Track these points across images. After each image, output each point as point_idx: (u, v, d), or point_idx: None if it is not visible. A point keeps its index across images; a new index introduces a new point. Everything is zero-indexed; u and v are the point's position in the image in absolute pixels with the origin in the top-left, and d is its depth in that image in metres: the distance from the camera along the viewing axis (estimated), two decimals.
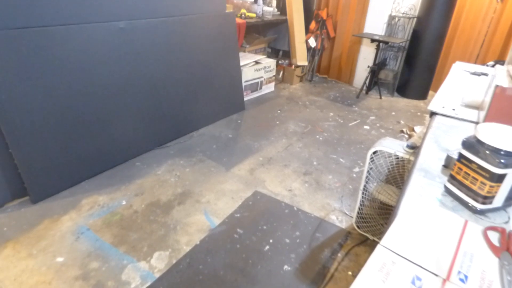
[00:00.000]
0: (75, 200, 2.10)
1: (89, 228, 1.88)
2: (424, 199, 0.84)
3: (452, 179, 0.86)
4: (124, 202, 2.10)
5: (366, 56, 4.46)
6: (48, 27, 1.96)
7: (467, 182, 0.81)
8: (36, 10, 1.91)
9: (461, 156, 0.83)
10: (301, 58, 4.53)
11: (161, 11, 2.58)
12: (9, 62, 1.83)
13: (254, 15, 4.04)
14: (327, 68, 4.96)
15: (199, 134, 3.04)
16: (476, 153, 0.79)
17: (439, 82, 4.13)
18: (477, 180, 0.78)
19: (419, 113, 3.86)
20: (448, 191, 0.86)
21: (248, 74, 3.75)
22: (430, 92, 4.35)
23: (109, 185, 2.26)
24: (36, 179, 2.05)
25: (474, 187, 0.79)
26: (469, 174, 0.80)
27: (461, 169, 0.83)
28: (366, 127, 3.41)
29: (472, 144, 0.81)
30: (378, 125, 3.47)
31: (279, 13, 4.54)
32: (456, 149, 0.98)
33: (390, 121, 3.59)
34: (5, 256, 1.67)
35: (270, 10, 4.27)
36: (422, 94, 4.31)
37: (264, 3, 4.34)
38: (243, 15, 3.88)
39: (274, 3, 4.64)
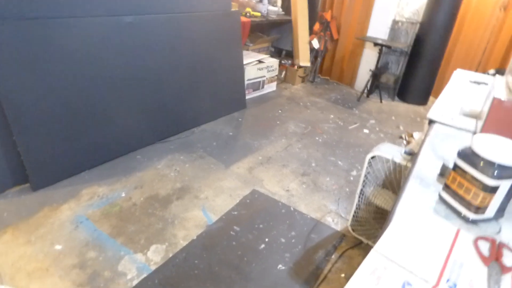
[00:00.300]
0: (75, 189, 2.12)
1: (87, 218, 1.91)
2: (418, 207, 0.86)
3: (447, 188, 0.88)
4: (123, 194, 2.12)
5: (368, 59, 4.48)
6: (57, 18, 1.98)
7: (460, 192, 0.83)
8: (46, 1, 1.92)
9: (456, 166, 0.86)
10: (304, 59, 4.55)
11: (168, 7, 2.60)
12: (17, 52, 1.85)
13: (259, 14, 4.04)
14: (329, 69, 4.97)
15: (200, 130, 3.06)
16: (471, 164, 0.81)
17: (440, 87, 4.15)
18: (470, 190, 0.80)
19: (418, 119, 3.89)
20: (442, 200, 0.89)
21: (251, 73, 3.76)
22: (431, 98, 4.38)
23: (109, 176, 2.28)
24: (38, 167, 2.06)
25: (468, 197, 0.81)
26: (463, 184, 0.82)
27: (455, 179, 0.85)
28: (366, 130, 3.44)
29: (468, 155, 0.83)
30: (377, 129, 3.50)
31: (283, 13, 4.55)
32: (452, 158, 1.00)
33: (390, 125, 3.62)
34: (4, 241, 1.70)
35: (275, 10, 4.28)
36: (422, 99, 4.33)
37: (269, 2, 4.34)
38: (248, 14, 3.88)
39: (279, 3, 4.64)
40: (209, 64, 3.08)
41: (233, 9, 3.26)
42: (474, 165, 0.80)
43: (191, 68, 2.92)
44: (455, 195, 0.85)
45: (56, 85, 2.05)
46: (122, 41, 2.33)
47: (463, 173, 0.83)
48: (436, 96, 4.28)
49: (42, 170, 2.09)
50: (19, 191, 2.06)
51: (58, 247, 1.70)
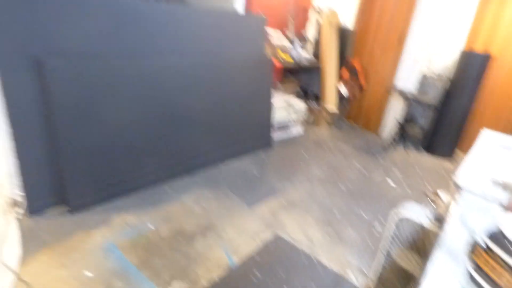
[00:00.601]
0: (107, 216, 2.24)
1: (117, 247, 1.99)
2: (446, 281, 0.87)
3: (477, 267, 0.90)
4: (151, 226, 2.21)
5: (395, 109, 4.54)
6: (113, 58, 2.26)
7: (492, 275, 0.85)
8: (106, 42, 2.23)
9: (487, 246, 0.88)
10: (331, 104, 4.68)
11: (206, 50, 2.89)
12: (72, 86, 2.09)
13: (291, 59, 4.27)
14: (356, 116, 5.06)
15: (226, 167, 3.17)
16: (501, 246, 0.83)
17: (467, 142, 4.13)
18: (503, 275, 0.82)
19: (444, 173, 3.83)
20: (472, 279, 0.90)
21: (279, 114, 3.90)
22: (457, 151, 4.33)
23: (139, 206, 2.39)
24: (78, 191, 2.22)
25: (500, 282, 0.82)
26: (495, 268, 0.84)
27: (487, 260, 0.87)
28: (390, 181, 3.42)
29: (498, 237, 0.85)
30: (402, 180, 3.48)
31: (314, 58, 4.77)
32: (482, 232, 1.01)
33: (414, 177, 3.59)
34: (41, 262, 1.80)
35: (306, 57, 4.50)
36: (448, 152, 4.29)
37: (301, 47, 4.59)
38: (280, 59, 4.11)
39: (310, 49, 4.89)
40: (240, 104, 3.26)
41: (266, 54, 3.48)
42: (505, 248, 0.82)
43: (222, 107, 3.10)
44: (486, 276, 0.86)
45: (103, 119, 2.26)
46: (162, 80, 2.57)
47: (495, 256, 0.85)
48: (462, 150, 4.24)
49: (81, 195, 2.24)
50: (58, 213, 2.20)
51: (88, 273, 1.78)
